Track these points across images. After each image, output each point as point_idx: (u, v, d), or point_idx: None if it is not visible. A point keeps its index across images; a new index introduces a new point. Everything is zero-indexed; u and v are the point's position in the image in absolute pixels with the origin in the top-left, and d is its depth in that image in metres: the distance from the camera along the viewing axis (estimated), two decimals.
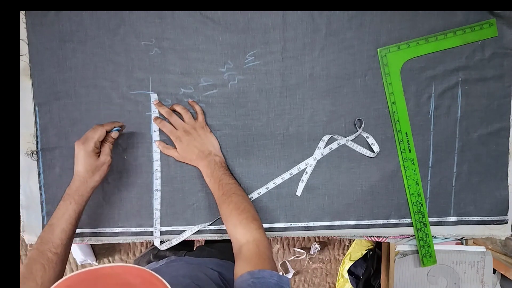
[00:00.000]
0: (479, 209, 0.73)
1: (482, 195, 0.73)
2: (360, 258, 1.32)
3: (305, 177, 0.71)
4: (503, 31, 0.68)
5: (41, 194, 0.69)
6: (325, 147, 0.70)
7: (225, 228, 0.71)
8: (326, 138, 0.70)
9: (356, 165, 0.71)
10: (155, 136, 0.68)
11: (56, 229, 0.56)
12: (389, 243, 0.78)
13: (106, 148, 0.60)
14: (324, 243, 1.49)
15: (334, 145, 0.70)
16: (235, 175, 0.70)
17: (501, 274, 0.99)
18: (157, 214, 0.70)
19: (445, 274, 0.79)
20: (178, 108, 0.66)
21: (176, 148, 0.67)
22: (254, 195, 0.71)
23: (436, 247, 0.76)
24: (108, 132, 0.60)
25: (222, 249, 0.78)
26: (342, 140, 0.70)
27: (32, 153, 0.67)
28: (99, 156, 0.59)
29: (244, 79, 0.68)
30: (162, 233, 0.71)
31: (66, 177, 0.68)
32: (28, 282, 0.51)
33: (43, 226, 0.69)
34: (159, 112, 0.67)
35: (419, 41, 0.67)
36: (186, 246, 0.82)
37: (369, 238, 0.75)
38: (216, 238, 0.72)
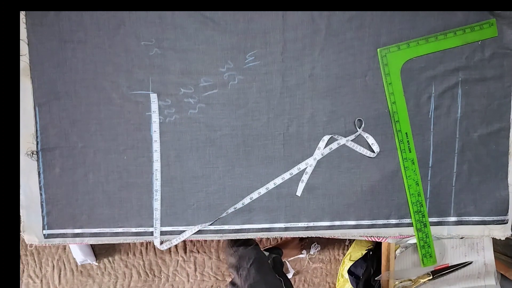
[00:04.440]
0: (479, 209, 0.73)
1: (482, 195, 0.73)
2: (360, 258, 1.32)
3: (305, 177, 0.71)
4: (503, 31, 0.68)
5: (41, 194, 0.69)
6: (325, 147, 0.70)
7: (224, 228, 0.71)
8: (326, 138, 0.70)
9: (356, 165, 0.71)
10: (155, 136, 0.68)
11: None
12: (389, 243, 0.78)
13: None
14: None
15: (334, 145, 0.70)
16: (235, 175, 0.70)
17: (501, 274, 0.99)
18: (157, 214, 0.70)
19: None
20: None
21: None
22: (254, 195, 0.71)
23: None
24: None
25: None
26: (342, 140, 0.70)
27: (32, 153, 0.67)
28: None
29: (244, 79, 0.68)
30: (162, 233, 0.71)
31: (66, 177, 0.69)
32: None
33: (43, 226, 0.70)
34: (159, 112, 0.67)
35: (419, 41, 0.67)
36: None
37: (369, 238, 0.75)
38: (216, 238, 0.72)
